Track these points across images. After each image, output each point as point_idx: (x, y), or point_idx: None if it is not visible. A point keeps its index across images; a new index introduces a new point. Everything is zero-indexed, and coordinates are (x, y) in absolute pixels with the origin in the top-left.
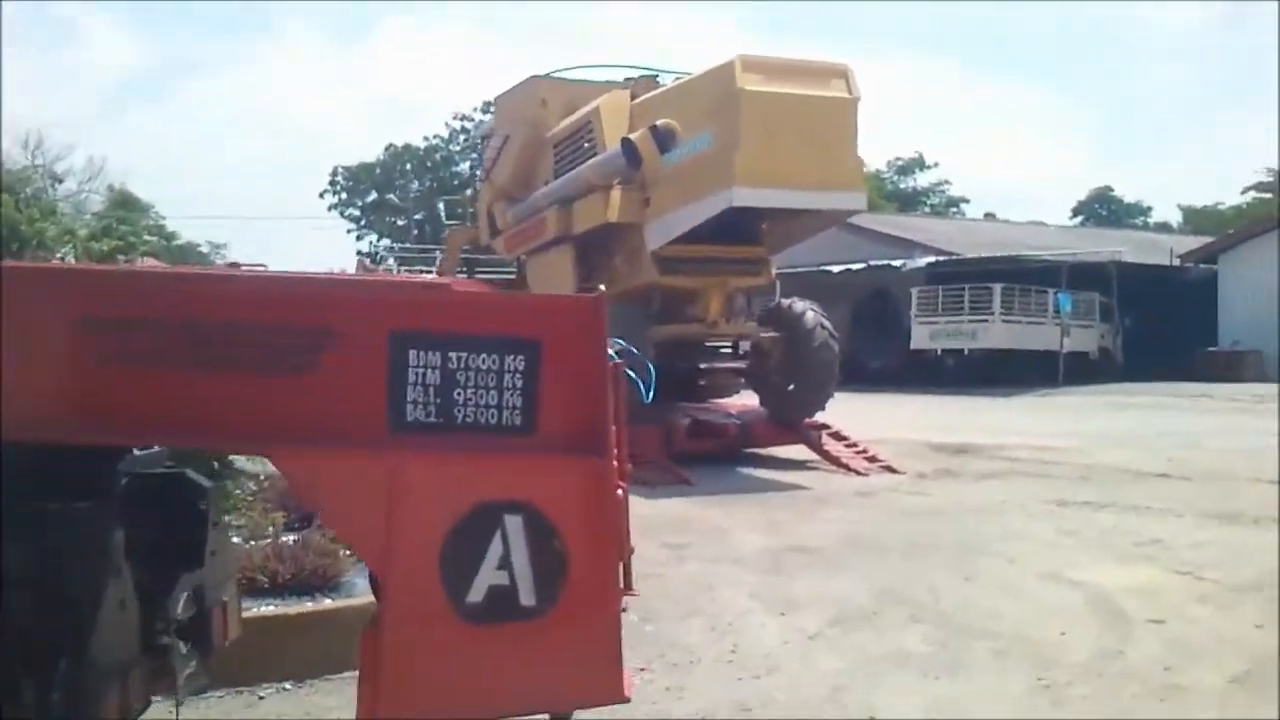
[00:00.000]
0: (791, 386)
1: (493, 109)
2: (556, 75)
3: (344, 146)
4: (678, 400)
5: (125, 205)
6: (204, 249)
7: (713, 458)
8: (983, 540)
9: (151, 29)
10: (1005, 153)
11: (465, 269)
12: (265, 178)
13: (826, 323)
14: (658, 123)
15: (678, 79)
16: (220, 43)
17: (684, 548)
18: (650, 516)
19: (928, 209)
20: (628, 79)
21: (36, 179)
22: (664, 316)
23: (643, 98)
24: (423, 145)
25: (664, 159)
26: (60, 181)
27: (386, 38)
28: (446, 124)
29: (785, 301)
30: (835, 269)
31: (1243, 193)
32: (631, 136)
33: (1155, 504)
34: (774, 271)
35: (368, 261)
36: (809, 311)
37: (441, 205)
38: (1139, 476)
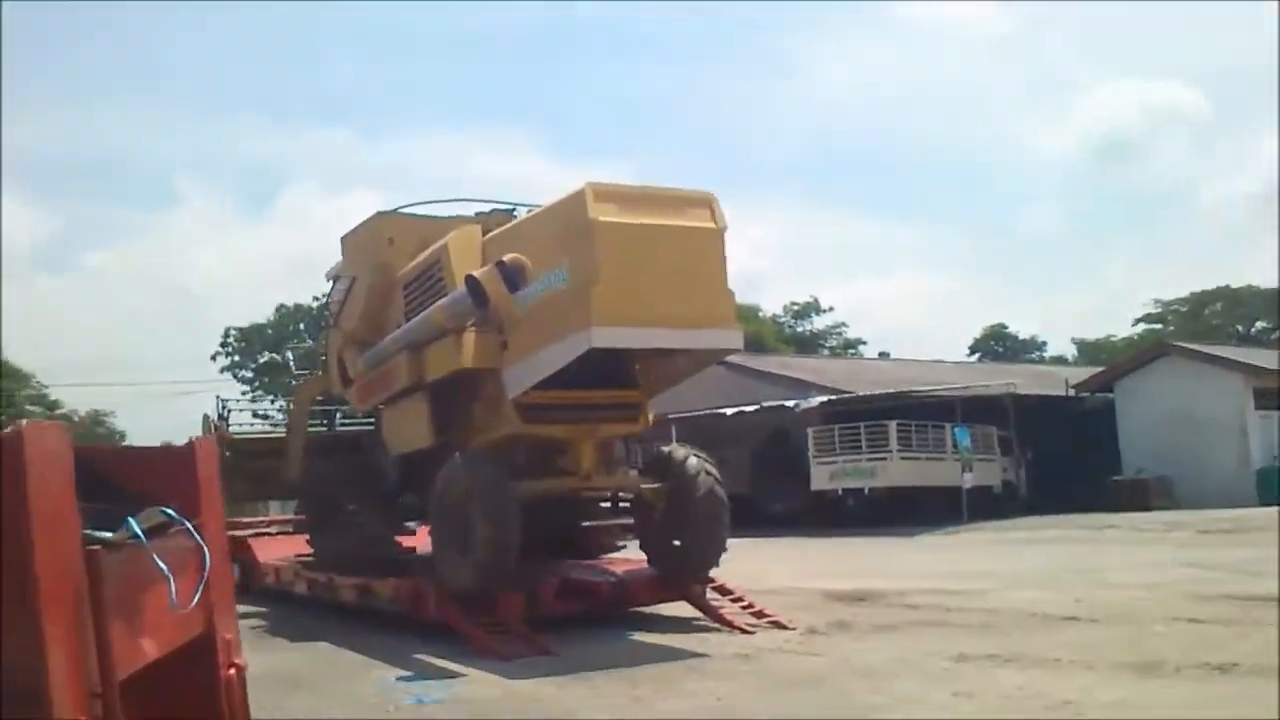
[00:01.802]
0: (679, 542)
1: (341, 249)
2: (404, 210)
3: (237, 309)
4: (551, 559)
5: (4, 375)
6: (80, 416)
7: (589, 619)
8: (869, 711)
9: (56, 201)
10: (898, 293)
11: (323, 421)
12: (160, 343)
13: (712, 468)
14: (505, 258)
15: (530, 211)
16: (125, 214)
17: None
18: (493, 702)
19: (826, 352)
20: (479, 213)
21: None
22: (532, 470)
23: (495, 232)
24: (314, 304)
25: (516, 298)
26: None
27: (287, 205)
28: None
29: (666, 448)
30: (729, 411)
31: (1134, 324)
32: (476, 274)
33: (1064, 654)
34: (650, 416)
35: (214, 420)
36: (691, 457)
37: (289, 354)
38: (1046, 621)
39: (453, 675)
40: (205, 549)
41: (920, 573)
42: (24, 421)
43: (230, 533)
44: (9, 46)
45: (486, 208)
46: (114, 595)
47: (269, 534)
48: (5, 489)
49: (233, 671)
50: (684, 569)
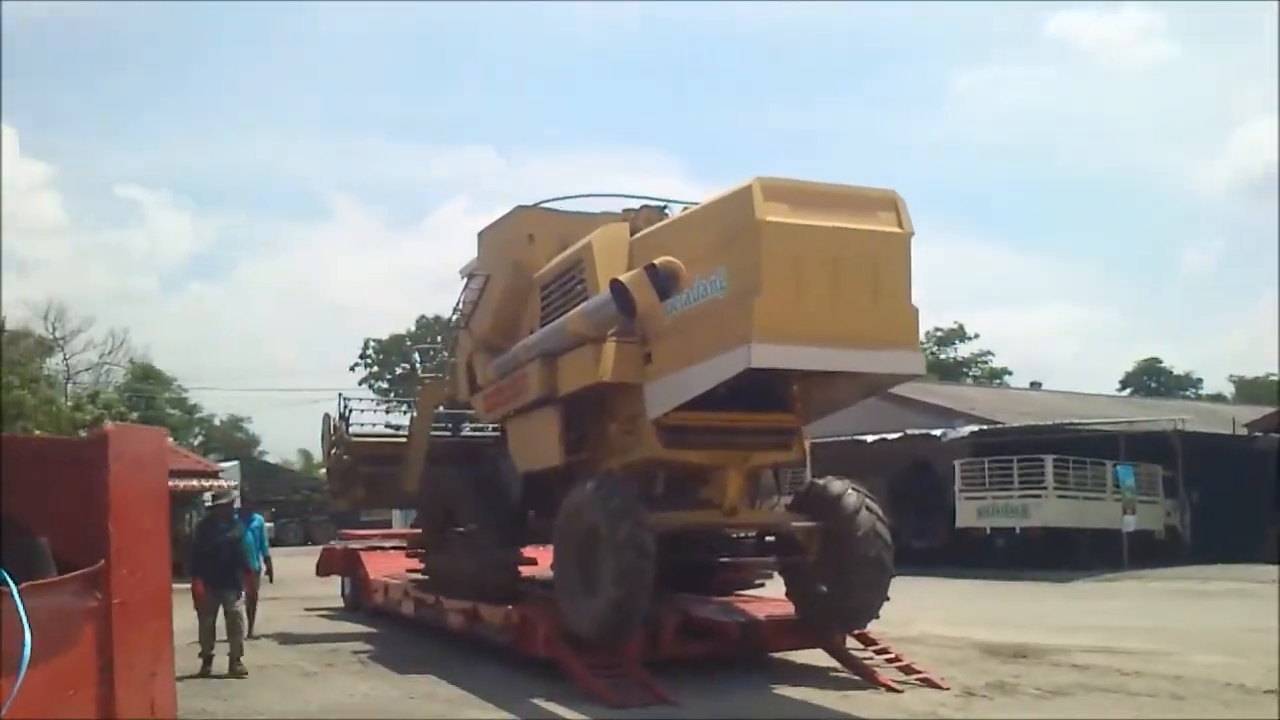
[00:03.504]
0: (824, 587)
1: (478, 245)
2: (547, 206)
3: (382, 323)
4: (677, 592)
5: (147, 378)
6: (220, 420)
7: (713, 664)
8: None
9: (212, 211)
10: (1044, 325)
11: (448, 426)
12: (304, 353)
13: (874, 505)
14: (656, 261)
15: (686, 209)
16: (278, 225)
17: None
18: None
19: (969, 380)
20: (627, 210)
21: (57, 351)
22: (670, 500)
23: (644, 231)
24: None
25: (666, 306)
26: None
27: (435, 221)
28: None
29: (821, 482)
30: (869, 439)
31: None
32: (623, 278)
33: None
34: (807, 444)
35: (335, 420)
36: (850, 492)
37: (416, 356)
38: (1243, 694)
39: None
40: (24, 627)
41: (1082, 626)
42: None
43: (343, 545)
44: (181, 62)
45: (635, 204)
46: None
47: (383, 548)
48: None
49: None
50: (838, 618)
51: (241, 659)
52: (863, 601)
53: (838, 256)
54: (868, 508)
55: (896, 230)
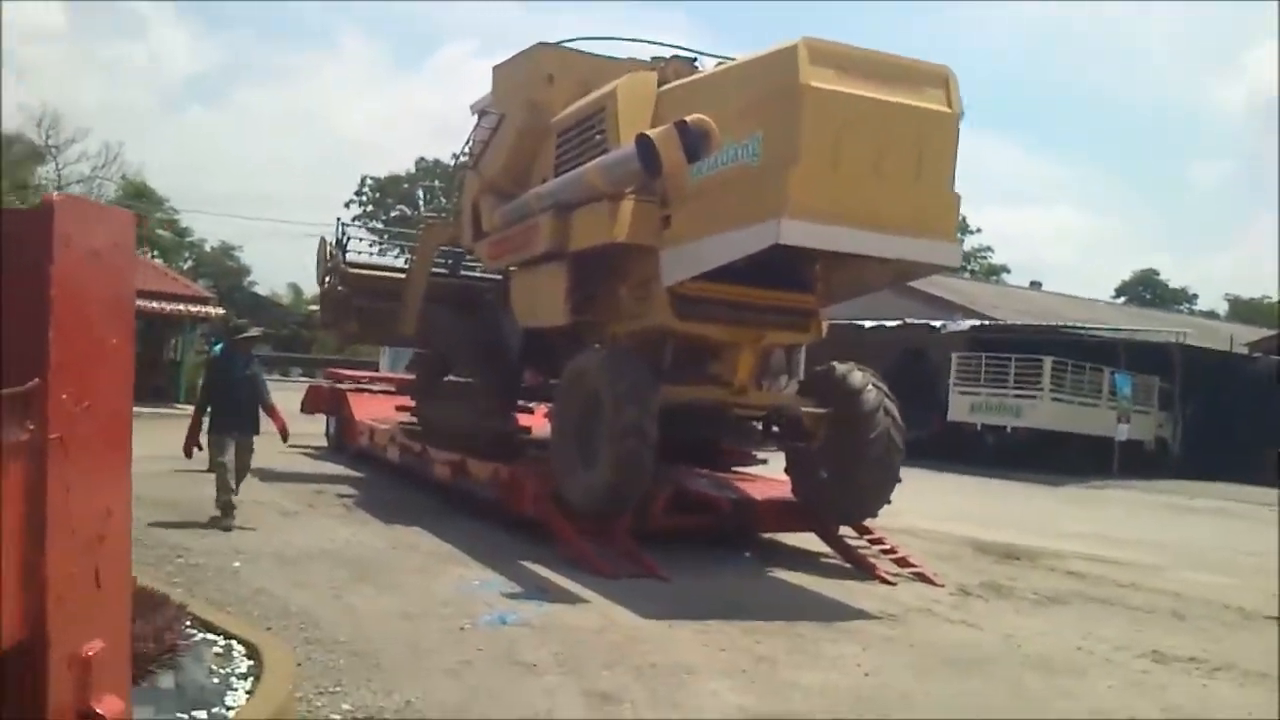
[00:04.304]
0: (835, 479)
1: (492, 81)
2: (569, 45)
3: (382, 161)
4: (672, 463)
5: (140, 196)
6: (211, 247)
7: (703, 541)
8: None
9: (217, 31)
10: (1047, 226)
11: (447, 262)
12: (300, 184)
13: (892, 406)
14: (688, 119)
15: (721, 64)
16: (282, 52)
17: (616, 703)
18: (587, 635)
19: (967, 274)
20: (655, 59)
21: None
22: (677, 372)
23: (674, 84)
24: (454, 162)
25: (692, 168)
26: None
27: (443, 62)
28: None
29: (840, 368)
30: (868, 324)
31: None
32: (651, 134)
33: None
34: (825, 327)
35: (331, 246)
36: (870, 388)
37: (420, 192)
38: (1246, 619)
39: (544, 591)
40: None
41: (1074, 532)
42: None
43: (329, 384)
44: None
45: (666, 53)
46: None
47: (371, 391)
48: None
49: None
50: (839, 509)
51: (234, 511)
52: (864, 500)
53: (882, 131)
54: (885, 409)
55: (945, 110)
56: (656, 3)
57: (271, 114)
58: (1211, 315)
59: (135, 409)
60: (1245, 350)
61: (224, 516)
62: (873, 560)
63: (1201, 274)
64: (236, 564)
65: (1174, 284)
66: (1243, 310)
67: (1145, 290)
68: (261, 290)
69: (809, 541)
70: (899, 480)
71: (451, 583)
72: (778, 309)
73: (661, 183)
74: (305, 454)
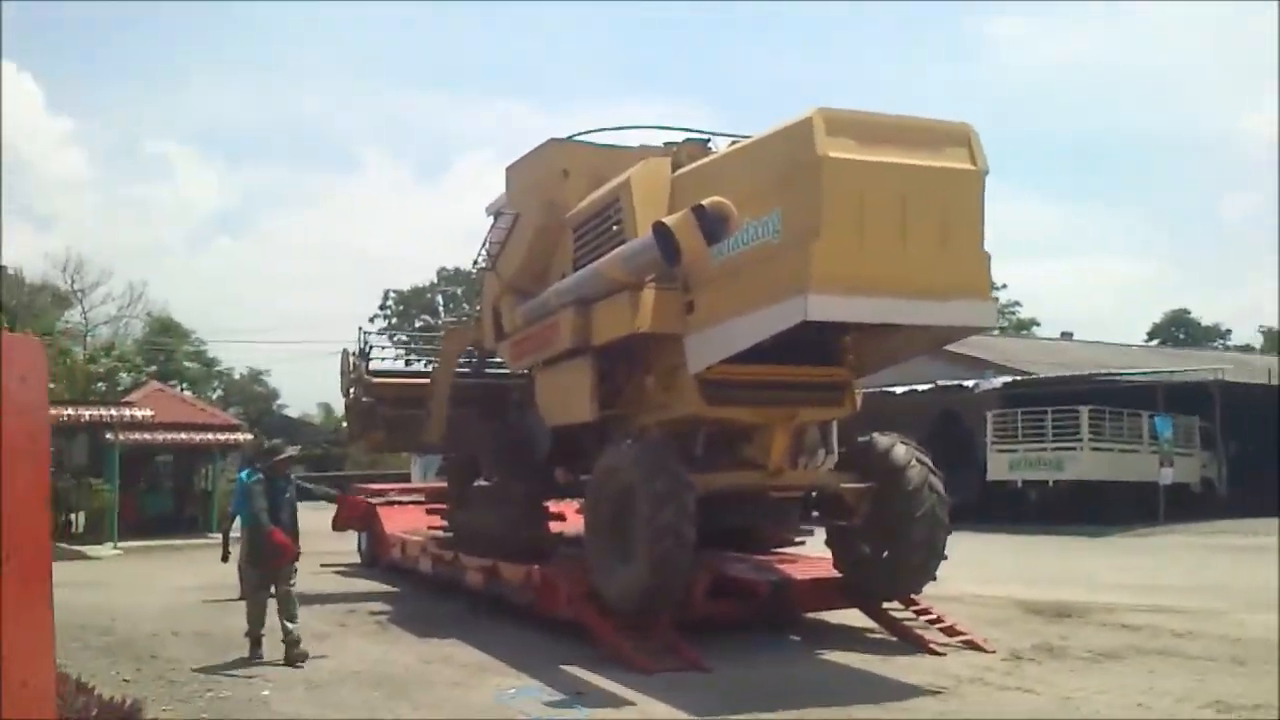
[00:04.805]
0: (879, 555)
1: (506, 181)
2: (581, 138)
3: (402, 271)
4: (710, 549)
5: (165, 331)
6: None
7: (746, 624)
8: None
9: (239, 167)
10: (1070, 276)
11: (471, 359)
12: (326, 305)
13: (937, 482)
14: (704, 202)
15: (735, 142)
16: (306, 177)
17: None
18: None
19: (996, 331)
20: (669, 143)
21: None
22: (711, 459)
23: (688, 167)
24: (475, 269)
25: (713, 250)
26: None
27: (463, 173)
28: None
29: (882, 442)
30: (899, 390)
31: None
32: (668, 221)
33: None
34: (858, 399)
35: (354, 357)
36: (915, 464)
37: (440, 299)
38: None
39: (582, 695)
40: None
41: (1124, 583)
42: None
43: (358, 497)
44: (201, 14)
45: (679, 137)
46: None
47: (401, 502)
48: None
49: None
50: (884, 586)
51: (300, 645)
52: (919, 561)
53: (905, 196)
54: (930, 485)
55: (970, 167)
56: (672, 95)
57: (296, 238)
58: (1247, 349)
59: (170, 540)
60: None
61: (255, 647)
62: (920, 631)
63: (1233, 308)
64: (266, 692)
65: (1206, 321)
66: (1278, 341)
67: (1178, 330)
68: (292, 412)
69: (854, 618)
70: (945, 557)
71: (489, 694)
72: (809, 385)
73: (682, 269)
74: (338, 572)
